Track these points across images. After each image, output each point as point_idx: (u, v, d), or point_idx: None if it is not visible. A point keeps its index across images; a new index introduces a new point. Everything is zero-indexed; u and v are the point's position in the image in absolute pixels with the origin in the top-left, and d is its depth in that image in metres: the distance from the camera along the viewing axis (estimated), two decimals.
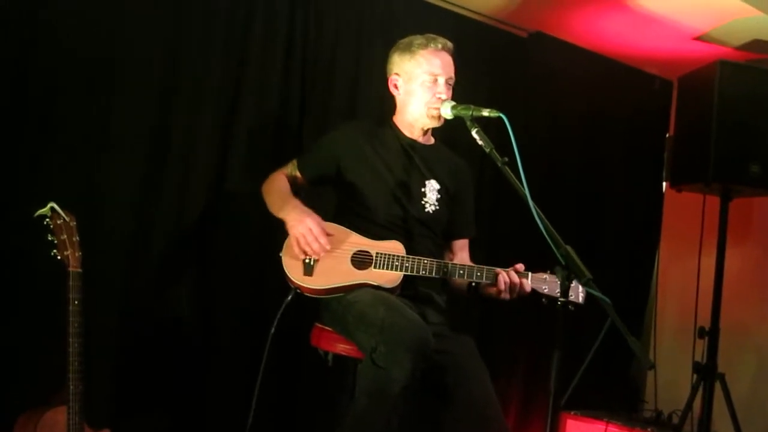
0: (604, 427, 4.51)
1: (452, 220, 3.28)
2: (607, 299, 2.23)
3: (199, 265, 3.74)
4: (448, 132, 3.35)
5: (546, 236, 2.37)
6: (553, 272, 2.71)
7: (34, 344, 3.20)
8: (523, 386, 4.94)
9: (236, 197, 3.78)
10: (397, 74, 3.24)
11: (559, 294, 2.37)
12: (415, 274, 2.97)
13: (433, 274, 2.98)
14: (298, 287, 2.96)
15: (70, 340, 2.75)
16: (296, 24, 3.99)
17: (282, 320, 2.98)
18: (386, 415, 2.62)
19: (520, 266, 2.99)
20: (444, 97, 3.10)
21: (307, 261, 2.96)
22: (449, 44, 3.20)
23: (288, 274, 2.96)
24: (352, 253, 2.99)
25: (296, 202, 3.07)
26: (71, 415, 2.74)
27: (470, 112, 2.83)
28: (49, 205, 2.78)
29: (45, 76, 3.31)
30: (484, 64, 4.71)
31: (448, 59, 3.18)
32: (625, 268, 5.41)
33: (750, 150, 4.02)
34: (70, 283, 2.77)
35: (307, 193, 3.27)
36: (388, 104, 3.41)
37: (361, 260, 2.98)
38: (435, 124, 3.18)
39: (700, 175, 4.05)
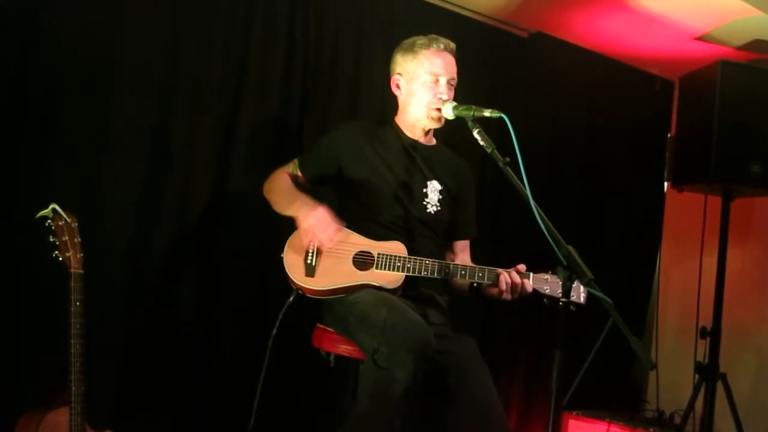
0: (606, 427, 4.50)
1: (454, 221, 3.27)
2: (608, 299, 2.23)
3: (201, 265, 3.74)
4: (450, 132, 3.34)
5: (547, 236, 2.37)
6: (554, 273, 2.71)
7: (36, 345, 3.21)
8: (525, 386, 4.94)
9: (237, 198, 3.78)
10: (399, 74, 3.24)
11: (560, 294, 2.37)
12: (416, 274, 2.96)
13: (435, 274, 2.97)
14: (300, 288, 2.96)
15: (72, 341, 2.75)
16: (296, 24, 3.99)
17: (284, 321, 2.98)
18: (388, 416, 2.62)
19: (522, 267, 2.99)
20: (445, 97, 3.10)
21: (308, 261, 2.95)
22: (452, 45, 3.20)
23: (289, 275, 2.96)
24: (353, 253, 2.98)
25: (305, 198, 3.07)
26: (73, 416, 2.74)
27: (471, 113, 2.83)
28: (50, 207, 2.78)
29: (45, 77, 3.32)
30: (485, 65, 4.71)
31: (451, 60, 3.18)
32: (626, 269, 5.41)
33: (751, 150, 4.02)
34: (72, 284, 2.77)
35: (309, 193, 3.27)
36: (389, 104, 3.41)
37: (362, 261, 2.98)
38: (436, 124, 3.18)
39: (701, 175, 4.05)
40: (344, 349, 2.96)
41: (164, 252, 3.62)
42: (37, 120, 3.29)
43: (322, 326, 3.09)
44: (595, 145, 5.28)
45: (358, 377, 2.77)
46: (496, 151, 2.66)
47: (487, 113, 2.77)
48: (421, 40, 3.19)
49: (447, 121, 3.10)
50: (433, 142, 3.33)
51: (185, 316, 3.68)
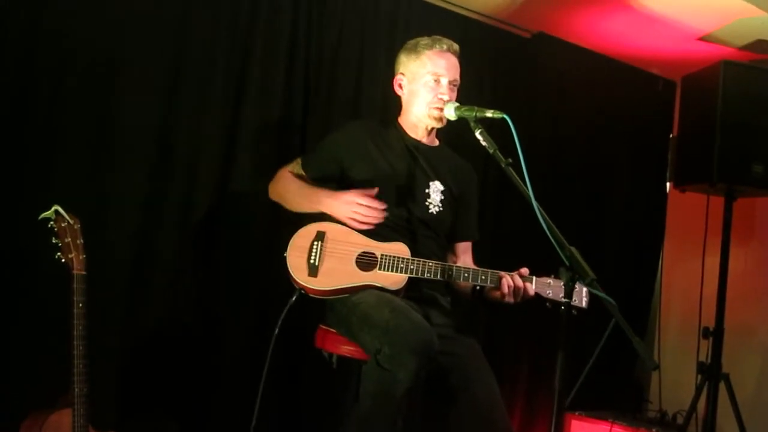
0: (609, 427, 4.50)
1: (456, 223, 3.27)
2: (611, 300, 2.23)
3: (204, 265, 3.74)
4: (452, 133, 3.34)
5: (550, 237, 2.37)
6: (557, 276, 2.71)
7: (39, 347, 3.22)
8: (528, 387, 4.94)
9: (241, 198, 3.78)
10: (402, 74, 3.25)
11: (563, 298, 2.36)
12: (419, 276, 2.96)
13: (438, 276, 2.97)
14: (303, 288, 2.95)
15: (75, 342, 2.75)
16: (299, 24, 4.00)
17: (286, 321, 2.98)
18: (391, 416, 2.62)
19: (525, 270, 2.98)
20: (446, 98, 3.10)
21: (311, 262, 2.95)
22: (455, 46, 3.21)
23: (293, 275, 2.95)
24: (356, 254, 2.98)
25: (322, 190, 3.10)
26: (76, 417, 2.75)
27: (474, 113, 2.83)
28: (53, 208, 2.78)
29: (48, 78, 3.33)
30: (487, 65, 4.72)
31: (454, 61, 3.19)
32: (629, 269, 5.40)
33: (753, 150, 4.02)
34: (75, 285, 2.77)
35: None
36: (391, 104, 3.42)
37: (365, 261, 2.98)
38: (437, 124, 3.18)
39: (704, 175, 4.05)
40: (347, 349, 2.96)
41: (167, 253, 3.63)
42: (39, 121, 3.30)
43: (324, 327, 3.09)
44: (598, 145, 5.28)
45: (361, 378, 2.77)
46: (498, 151, 2.66)
47: (489, 114, 2.77)
48: (424, 40, 3.20)
49: (449, 122, 3.11)
50: (436, 143, 3.33)
51: (188, 317, 3.69)
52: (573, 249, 2.34)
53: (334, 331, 3.03)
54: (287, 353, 3.64)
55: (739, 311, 4.60)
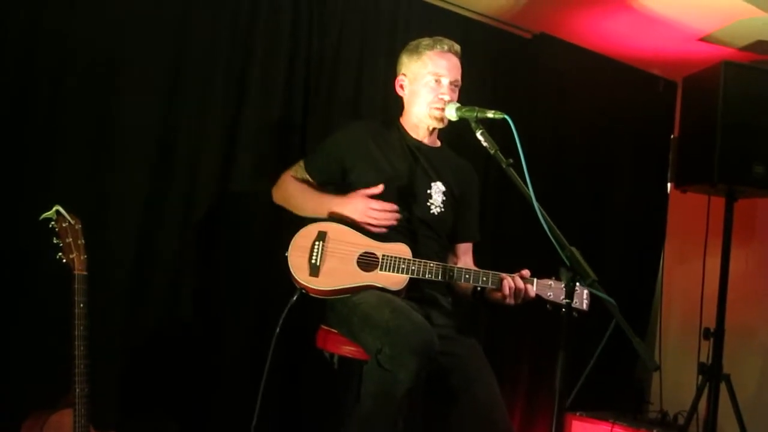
0: (610, 428, 4.50)
1: (457, 224, 3.27)
2: (612, 300, 2.23)
3: (204, 265, 3.74)
4: (453, 134, 3.34)
5: (551, 237, 2.37)
6: (558, 278, 2.71)
7: (40, 347, 3.21)
8: (529, 387, 4.94)
9: (242, 198, 3.78)
10: (403, 75, 3.26)
11: (563, 300, 2.36)
12: (421, 277, 2.96)
13: (439, 277, 2.97)
14: (304, 288, 2.95)
15: (76, 343, 2.75)
16: (300, 24, 4.00)
17: (287, 322, 2.97)
18: (392, 416, 2.62)
19: (526, 272, 2.98)
20: (447, 98, 3.10)
21: (313, 261, 2.95)
22: (456, 47, 3.20)
23: (294, 275, 2.95)
24: (358, 254, 2.98)
25: (329, 194, 3.12)
26: (77, 417, 2.75)
27: (475, 114, 2.83)
28: (54, 208, 2.78)
29: (49, 78, 3.33)
30: (489, 66, 4.72)
31: (455, 62, 3.19)
32: (629, 270, 5.40)
33: (754, 151, 4.02)
34: (76, 286, 2.77)
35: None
36: (391, 104, 3.42)
37: (367, 262, 2.98)
38: (438, 125, 3.18)
39: (704, 175, 4.05)
40: (348, 350, 2.96)
41: (167, 253, 3.63)
42: (39, 121, 3.30)
43: (326, 327, 3.09)
44: (599, 146, 5.28)
45: (362, 378, 2.77)
46: (499, 152, 2.66)
47: (490, 114, 2.77)
48: (426, 41, 3.20)
49: (450, 122, 3.11)
50: (438, 143, 3.33)
51: (188, 317, 3.69)
52: (574, 249, 2.33)
53: (335, 331, 3.03)
54: (288, 353, 3.64)
55: (740, 312, 4.60)
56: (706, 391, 4.03)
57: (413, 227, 3.09)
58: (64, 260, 2.77)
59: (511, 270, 2.98)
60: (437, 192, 3.18)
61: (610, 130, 5.33)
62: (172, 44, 3.65)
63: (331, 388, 3.68)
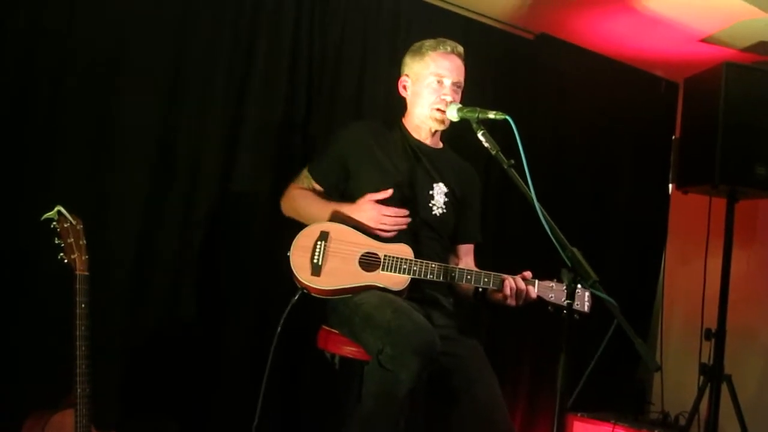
0: (611, 428, 4.49)
1: (458, 225, 3.27)
2: (613, 301, 2.23)
3: (206, 265, 3.74)
4: (454, 134, 3.34)
5: (552, 238, 2.37)
6: (560, 280, 2.71)
7: (41, 347, 3.22)
8: (530, 388, 4.94)
9: (243, 197, 3.79)
10: (406, 75, 3.26)
11: (565, 302, 2.36)
12: (422, 278, 2.96)
13: (440, 278, 2.97)
14: (306, 287, 2.95)
15: (77, 343, 2.76)
16: (302, 24, 4.01)
17: (288, 322, 2.97)
18: (393, 417, 2.62)
19: (528, 274, 2.98)
20: (449, 99, 3.10)
21: (315, 261, 2.95)
22: (459, 48, 3.20)
23: (296, 274, 2.95)
24: (360, 254, 2.98)
25: (340, 203, 3.10)
26: (79, 417, 2.75)
27: (476, 115, 2.83)
28: (55, 209, 2.79)
29: (48, 79, 3.33)
30: (490, 66, 4.71)
31: (458, 63, 3.19)
32: (631, 270, 5.40)
33: (756, 151, 4.02)
34: (77, 286, 2.77)
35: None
36: (393, 103, 3.42)
37: (368, 262, 2.98)
38: (439, 126, 3.18)
39: (706, 176, 4.04)
40: (349, 350, 2.95)
41: (168, 253, 3.63)
42: (39, 121, 3.31)
43: (327, 328, 3.09)
44: (600, 146, 5.28)
45: (363, 378, 2.77)
46: (500, 152, 2.66)
47: (491, 115, 2.77)
48: (429, 42, 3.21)
49: (452, 123, 3.11)
50: (440, 145, 3.33)
51: (189, 317, 3.69)
52: (575, 250, 2.33)
53: (336, 331, 3.03)
54: (289, 354, 3.64)
55: (742, 313, 4.60)
56: (707, 391, 4.02)
57: (415, 228, 3.09)
58: (66, 260, 2.77)
59: (513, 271, 2.98)
60: (439, 193, 3.18)
61: (612, 130, 5.33)
62: (173, 44, 3.65)
63: (332, 388, 3.68)
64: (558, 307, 2.89)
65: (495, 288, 2.96)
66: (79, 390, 2.75)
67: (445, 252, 3.24)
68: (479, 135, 2.75)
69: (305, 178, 3.27)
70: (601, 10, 4.49)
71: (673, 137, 4.38)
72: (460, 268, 3.01)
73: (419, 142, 3.24)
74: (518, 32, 4.89)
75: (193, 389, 3.65)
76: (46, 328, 3.20)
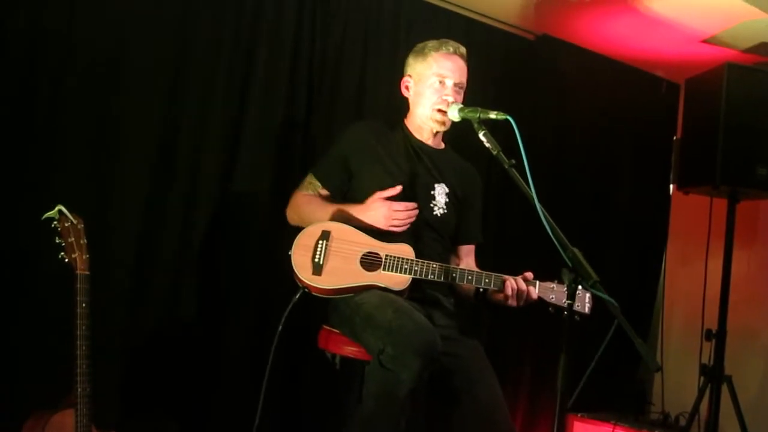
0: (611, 429, 4.50)
1: (460, 225, 3.27)
2: (613, 301, 2.23)
3: (207, 265, 3.74)
4: (455, 135, 3.34)
5: (553, 238, 2.36)
6: (560, 280, 2.71)
7: (41, 347, 3.22)
8: (530, 388, 4.94)
9: (243, 197, 3.78)
10: (409, 76, 3.26)
11: (565, 303, 2.36)
12: (423, 278, 2.96)
13: (442, 278, 2.97)
14: (307, 286, 2.95)
15: (78, 342, 2.75)
16: (303, 24, 4.01)
17: (289, 322, 2.97)
18: (394, 417, 2.62)
19: (529, 274, 2.98)
20: (451, 99, 3.09)
21: (316, 260, 2.95)
22: (462, 49, 3.20)
23: (297, 273, 2.95)
24: (361, 254, 2.98)
25: (347, 204, 3.09)
26: (79, 417, 2.75)
27: (477, 115, 2.83)
28: (56, 208, 2.78)
29: (48, 79, 3.33)
30: (492, 67, 4.71)
31: (460, 64, 3.19)
32: (632, 271, 5.40)
33: (757, 152, 4.02)
34: (78, 285, 2.77)
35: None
36: (394, 104, 3.42)
37: (370, 262, 2.97)
38: (441, 127, 3.18)
39: (707, 177, 4.04)
40: (350, 350, 2.95)
41: (168, 253, 3.63)
42: (40, 121, 3.31)
43: (328, 327, 3.09)
44: (601, 147, 5.28)
45: (364, 378, 2.77)
46: (501, 153, 2.66)
47: (492, 115, 2.77)
48: (432, 43, 3.21)
49: (453, 123, 3.10)
50: (442, 145, 3.33)
51: (189, 317, 3.69)
52: (576, 250, 2.33)
53: (337, 331, 3.03)
54: (290, 354, 3.64)
55: (742, 314, 4.59)
56: (707, 392, 4.02)
57: (416, 228, 3.08)
58: (67, 260, 2.77)
59: (514, 271, 2.98)
60: (440, 193, 3.18)
61: (613, 131, 5.33)
62: (173, 44, 3.65)
63: (333, 388, 3.68)
64: (559, 308, 2.89)
65: (496, 288, 2.96)
66: (79, 390, 2.75)
67: (447, 252, 3.23)
68: (480, 135, 2.75)
69: (309, 185, 3.25)
70: (602, 11, 4.49)
71: (674, 138, 4.38)
72: (461, 269, 3.01)
73: (421, 142, 3.24)
74: (519, 33, 4.89)
75: (193, 389, 3.65)
76: (46, 328, 3.20)
